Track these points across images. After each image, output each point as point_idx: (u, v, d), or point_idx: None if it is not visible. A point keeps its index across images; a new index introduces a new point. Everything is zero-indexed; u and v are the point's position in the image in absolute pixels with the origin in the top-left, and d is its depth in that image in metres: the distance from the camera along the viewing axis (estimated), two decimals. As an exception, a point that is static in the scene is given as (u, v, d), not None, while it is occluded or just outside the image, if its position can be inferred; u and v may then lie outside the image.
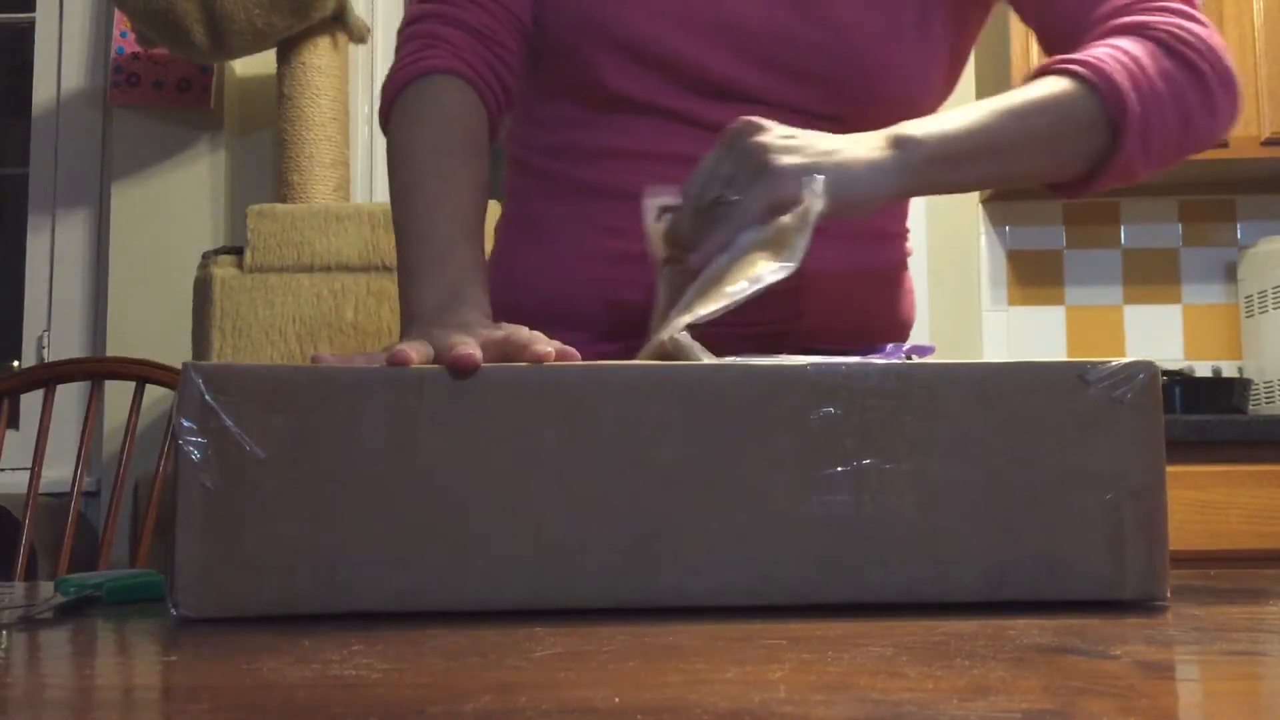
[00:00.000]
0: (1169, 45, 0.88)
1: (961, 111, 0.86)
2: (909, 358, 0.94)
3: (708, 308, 0.75)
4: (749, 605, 0.61)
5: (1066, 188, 0.92)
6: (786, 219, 0.78)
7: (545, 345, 0.66)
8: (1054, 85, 0.86)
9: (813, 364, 0.63)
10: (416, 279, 0.85)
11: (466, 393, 0.61)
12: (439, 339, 0.67)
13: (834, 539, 0.61)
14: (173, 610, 0.59)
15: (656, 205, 0.87)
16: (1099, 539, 0.62)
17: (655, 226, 0.87)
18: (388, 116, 0.96)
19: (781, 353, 0.69)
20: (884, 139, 0.82)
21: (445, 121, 0.92)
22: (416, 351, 0.65)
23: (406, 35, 0.97)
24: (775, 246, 0.77)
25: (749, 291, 0.75)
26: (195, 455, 0.59)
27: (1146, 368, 0.63)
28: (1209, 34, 0.90)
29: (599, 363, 0.65)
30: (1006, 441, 0.62)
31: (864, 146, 0.82)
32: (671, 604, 0.61)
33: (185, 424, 0.59)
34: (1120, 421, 0.63)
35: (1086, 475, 0.62)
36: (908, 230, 1.07)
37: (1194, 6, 0.92)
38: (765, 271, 0.75)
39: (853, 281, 0.99)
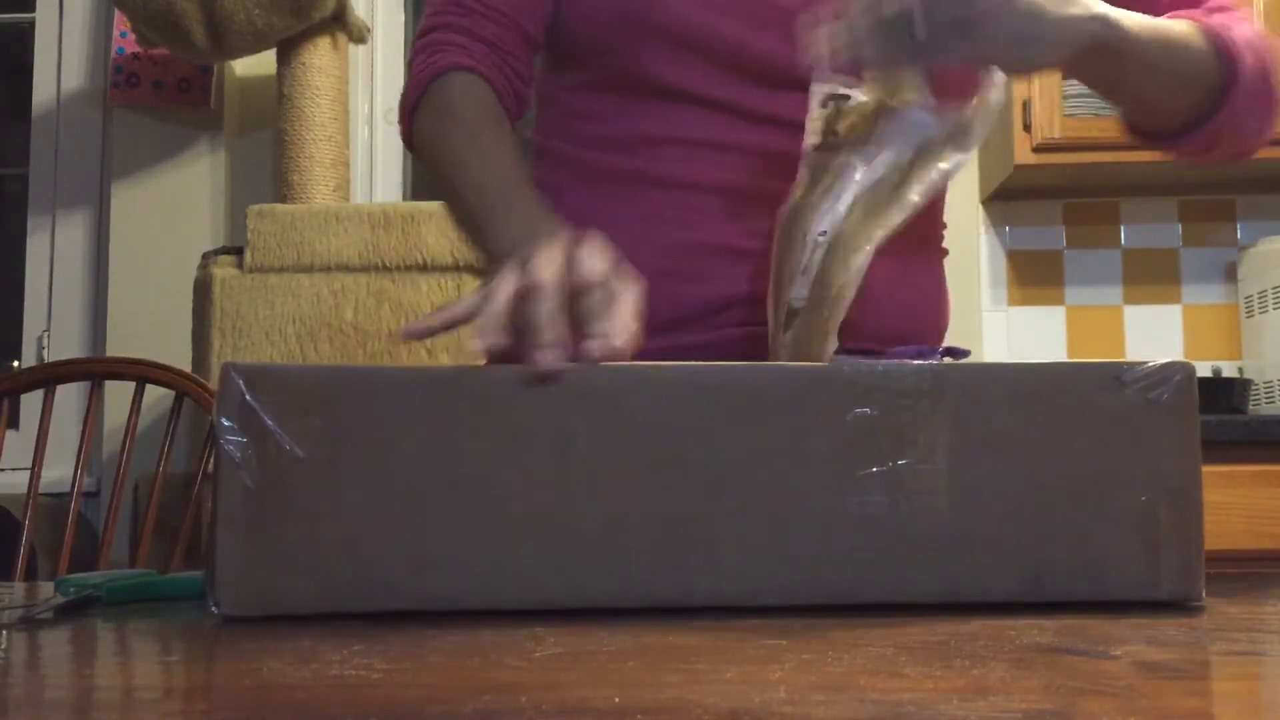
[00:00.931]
0: (1255, 47, 0.92)
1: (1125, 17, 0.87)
2: (944, 359, 0.94)
3: (891, 219, 0.78)
4: (786, 605, 0.61)
5: (1156, 137, 0.95)
6: (965, 114, 0.79)
7: (608, 341, 0.66)
8: (1190, 31, 0.89)
9: (848, 365, 0.63)
10: (487, 226, 0.86)
11: (503, 393, 0.61)
12: (527, 256, 0.69)
13: (870, 539, 0.61)
14: (214, 609, 0.59)
15: (824, 92, 0.88)
16: (1135, 540, 0.62)
17: (820, 112, 0.87)
18: (411, 121, 0.96)
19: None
20: (1082, 7, 0.82)
21: (475, 106, 0.94)
22: (543, 266, 0.68)
23: (419, 46, 0.98)
24: (951, 143, 0.80)
25: (929, 190, 0.77)
26: (235, 455, 0.59)
27: (1183, 369, 0.63)
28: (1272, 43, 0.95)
29: (636, 363, 0.65)
30: (1041, 442, 0.62)
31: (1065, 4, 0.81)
32: (708, 604, 0.61)
33: (225, 423, 0.59)
34: (1156, 422, 0.63)
35: (1122, 476, 0.62)
36: (945, 224, 1.07)
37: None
38: (942, 166, 0.78)
39: (900, 280, 0.98)
